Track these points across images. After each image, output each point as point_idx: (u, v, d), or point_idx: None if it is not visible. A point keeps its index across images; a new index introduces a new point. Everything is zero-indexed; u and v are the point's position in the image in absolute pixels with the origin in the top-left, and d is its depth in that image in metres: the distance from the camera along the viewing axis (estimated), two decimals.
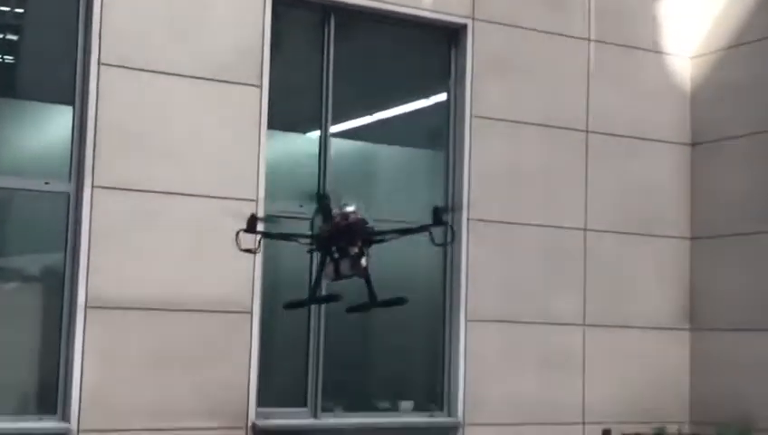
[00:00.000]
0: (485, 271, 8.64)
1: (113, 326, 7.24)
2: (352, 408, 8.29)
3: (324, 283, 4.98)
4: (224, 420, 7.54)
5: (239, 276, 7.68)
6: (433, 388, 8.61)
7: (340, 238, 4.65)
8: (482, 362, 8.55)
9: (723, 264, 9.29)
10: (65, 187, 7.31)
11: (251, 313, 7.71)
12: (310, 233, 4.82)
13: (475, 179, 8.64)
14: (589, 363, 9.01)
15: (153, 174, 7.47)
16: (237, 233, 4.88)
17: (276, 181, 7.99)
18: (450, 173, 8.71)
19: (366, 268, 4.69)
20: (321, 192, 5.02)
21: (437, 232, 4.69)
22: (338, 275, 4.74)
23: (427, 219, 5.51)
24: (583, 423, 8.91)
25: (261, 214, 6.99)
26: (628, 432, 8.89)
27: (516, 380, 8.67)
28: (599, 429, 8.89)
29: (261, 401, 7.75)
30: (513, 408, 8.62)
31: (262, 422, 7.70)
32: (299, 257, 8.10)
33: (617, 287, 9.19)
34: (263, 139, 7.86)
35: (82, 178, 7.26)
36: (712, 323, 9.30)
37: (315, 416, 7.99)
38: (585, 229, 9.11)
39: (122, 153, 7.37)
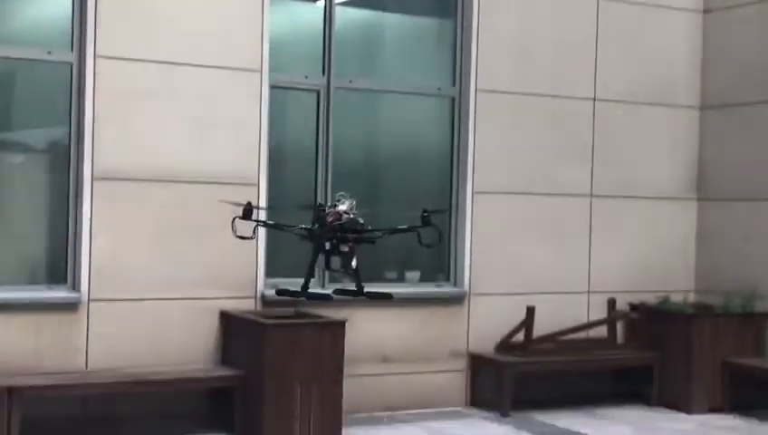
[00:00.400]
0: (493, 142, 8.60)
1: (120, 198, 7.26)
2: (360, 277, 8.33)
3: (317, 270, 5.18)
4: (233, 290, 7.63)
5: (243, 148, 7.66)
6: (440, 259, 8.68)
7: (332, 236, 4.86)
8: (488, 233, 8.58)
9: (732, 133, 9.23)
10: (68, 57, 7.22)
11: (257, 185, 7.71)
12: (303, 226, 5.00)
13: (483, 49, 8.52)
14: (595, 234, 9.05)
15: (156, 44, 7.37)
16: (233, 220, 4.92)
17: (281, 51, 7.89)
18: (458, 43, 8.58)
19: (356, 269, 4.89)
20: (318, 203, 5.43)
21: (425, 233, 4.93)
22: (328, 268, 4.98)
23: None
24: (588, 292, 9.01)
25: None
26: (633, 302, 8.99)
27: (523, 250, 8.72)
28: (604, 298, 8.98)
29: (269, 272, 7.83)
30: (519, 278, 8.70)
31: (270, 292, 7.79)
32: (304, 126, 8.15)
33: (625, 157, 9.16)
34: (266, 7, 7.72)
35: (84, 48, 7.17)
36: (719, 192, 9.29)
37: (323, 286, 8.06)
38: (594, 99, 9.02)
39: (124, 22, 7.26)
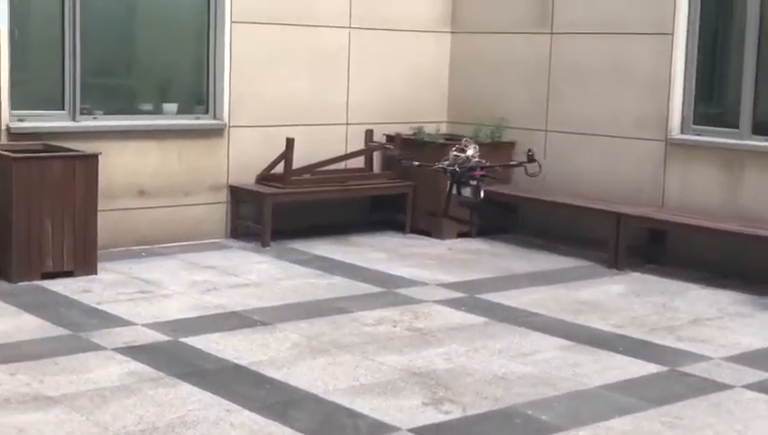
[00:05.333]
0: None
1: None
2: (114, 111, 8.09)
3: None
4: None
5: None
6: (198, 91, 8.51)
7: (463, 174, 6.77)
8: (248, 64, 8.48)
9: None
10: None
11: None
12: (445, 166, 6.88)
13: None
14: (353, 66, 9.12)
15: None
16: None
17: None
18: None
19: (483, 196, 6.89)
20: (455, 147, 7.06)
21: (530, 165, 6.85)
22: (460, 195, 6.87)
23: None
24: (347, 124, 9.14)
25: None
26: (389, 133, 9.21)
27: (282, 82, 8.69)
28: (362, 129, 9.16)
29: (15, 104, 7.43)
30: (279, 110, 8.69)
31: (16, 125, 7.42)
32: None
33: None
34: None
35: None
36: (471, 25, 9.54)
37: (74, 119, 7.76)
38: None
39: None
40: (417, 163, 7.45)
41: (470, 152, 6.83)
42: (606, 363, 5.65)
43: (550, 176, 8.45)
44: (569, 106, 8.86)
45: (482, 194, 6.86)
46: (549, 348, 5.90)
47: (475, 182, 6.77)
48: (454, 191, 6.89)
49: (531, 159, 6.86)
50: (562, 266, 8.10)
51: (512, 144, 9.15)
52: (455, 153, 6.90)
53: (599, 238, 8.22)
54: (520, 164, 7.28)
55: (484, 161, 6.88)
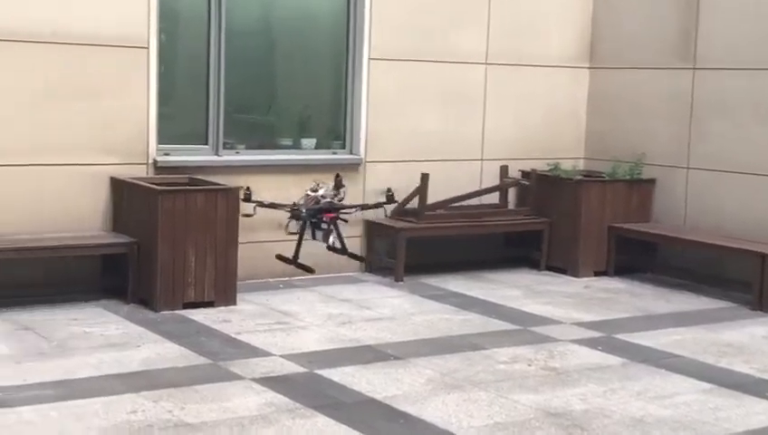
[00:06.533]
0: (389, 8, 8.51)
1: (5, 59, 7.00)
2: (254, 145, 8.31)
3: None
4: (124, 156, 7.50)
5: (132, 7, 7.44)
6: (335, 126, 8.66)
7: (313, 215, 6.48)
8: (384, 100, 8.58)
9: (625, 2, 9.32)
10: None
11: (147, 48, 7.52)
12: (294, 207, 6.64)
13: None
14: (489, 101, 9.12)
15: None
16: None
17: None
18: None
19: (335, 240, 6.58)
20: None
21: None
22: (314, 238, 6.62)
23: None
24: (482, 160, 9.13)
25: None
26: (524, 169, 9.15)
27: (417, 117, 8.76)
28: (497, 165, 9.13)
29: (161, 139, 7.71)
30: (414, 145, 8.75)
31: (162, 159, 7.68)
32: None
33: (520, 25, 9.18)
34: None
35: None
36: (611, 61, 9.43)
37: (217, 153, 8.00)
38: None
39: None
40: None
41: (321, 192, 6.59)
42: (749, 408, 5.44)
43: (692, 213, 8.23)
44: (712, 142, 8.63)
45: (331, 240, 6.50)
46: (689, 391, 5.72)
47: (325, 226, 6.51)
48: (307, 236, 6.56)
49: (339, 184, 6.57)
50: (704, 307, 7.86)
51: (652, 181, 8.97)
52: (307, 192, 6.62)
53: (742, 279, 7.95)
54: (378, 205, 6.84)
55: (336, 202, 6.52)
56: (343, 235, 7.25)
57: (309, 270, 7.06)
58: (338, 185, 6.53)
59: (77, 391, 5.27)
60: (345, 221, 6.77)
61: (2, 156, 7.05)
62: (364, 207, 7.13)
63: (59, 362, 5.80)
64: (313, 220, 6.47)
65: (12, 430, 4.74)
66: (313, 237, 6.53)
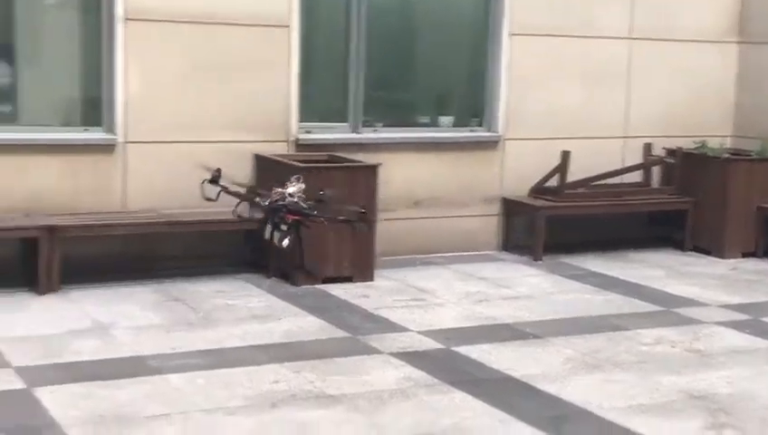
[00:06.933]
0: None
1: (153, 39, 7.23)
2: (393, 123, 8.34)
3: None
4: (266, 134, 7.65)
5: None
6: (474, 103, 8.61)
7: (275, 213, 5.25)
8: (523, 76, 8.47)
9: None
10: None
11: (289, 26, 7.63)
12: (258, 199, 5.42)
13: None
14: (633, 77, 8.90)
15: None
16: (202, 182, 5.53)
17: None
18: None
19: (285, 249, 5.30)
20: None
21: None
22: (271, 239, 5.32)
23: None
24: (624, 137, 8.93)
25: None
26: (669, 147, 8.91)
27: (558, 94, 8.62)
28: (640, 143, 8.92)
29: (302, 117, 7.82)
30: (554, 122, 8.62)
31: (304, 137, 7.80)
32: None
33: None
34: None
35: None
36: (761, 35, 9.06)
37: (356, 131, 8.06)
38: None
39: None
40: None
41: (291, 190, 5.34)
42: None
43: None
44: None
45: (285, 242, 5.30)
46: None
47: (285, 227, 5.28)
48: (267, 233, 5.37)
49: (320, 198, 5.39)
50: None
51: None
52: (276, 188, 5.43)
53: None
54: (347, 221, 5.66)
55: (304, 206, 5.31)
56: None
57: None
58: (319, 199, 5.38)
59: (222, 360, 5.43)
60: (307, 227, 5.52)
61: (149, 133, 7.29)
62: (330, 219, 5.63)
63: (205, 332, 5.98)
64: (275, 219, 5.29)
65: (162, 395, 4.92)
66: (270, 236, 5.31)
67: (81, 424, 4.51)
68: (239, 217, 5.58)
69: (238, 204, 5.54)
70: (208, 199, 5.58)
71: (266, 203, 5.36)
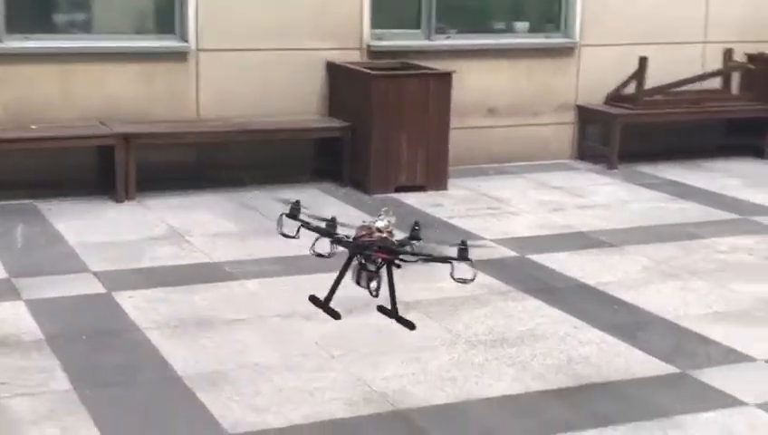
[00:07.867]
0: None
1: None
2: (466, 30, 8.20)
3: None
4: (339, 41, 7.58)
5: None
6: (549, 9, 8.42)
7: (359, 252, 4.40)
8: None
9: None
10: None
11: None
12: (344, 236, 4.46)
13: None
14: None
15: None
16: (280, 216, 4.54)
17: None
18: None
19: (374, 291, 4.37)
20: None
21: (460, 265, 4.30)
22: (358, 283, 4.46)
23: None
24: (704, 42, 8.67)
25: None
26: (750, 52, 8.63)
27: None
28: (720, 48, 8.65)
29: (375, 23, 7.73)
30: (632, 28, 8.40)
31: (376, 43, 7.72)
32: None
33: None
34: None
35: None
36: None
37: (429, 38, 7.95)
38: None
39: None
40: None
41: (379, 224, 4.48)
42: None
43: None
44: None
45: (373, 284, 4.40)
46: None
47: (374, 268, 4.43)
48: (352, 276, 4.51)
49: (415, 235, 4.53)
50: None
51: None
52: (362, 223, 4.54)
53: None
54: (446, 259, 4.38)
55: (395, 241, 4.43)
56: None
57: (336, 316, 4.76)
58: (413, 236, 4.61)
59: (298, 267, 5.46)
60: (398, 267, 4.60)
61: (223, 41, 7.28)
62: (427, 259, 4.57)
63: (280, 240, 6.01)
64: (362, 257, 4.44)
65: (239, 299, 5.01)
66: (357, 280, 4.50)
67: (160, 327, 4.62)
68: (318, 255, 4.56)
69: (317, 238, 4.63)
70: (285, 236, 4.71)
71: (352, 239, 4.51)
